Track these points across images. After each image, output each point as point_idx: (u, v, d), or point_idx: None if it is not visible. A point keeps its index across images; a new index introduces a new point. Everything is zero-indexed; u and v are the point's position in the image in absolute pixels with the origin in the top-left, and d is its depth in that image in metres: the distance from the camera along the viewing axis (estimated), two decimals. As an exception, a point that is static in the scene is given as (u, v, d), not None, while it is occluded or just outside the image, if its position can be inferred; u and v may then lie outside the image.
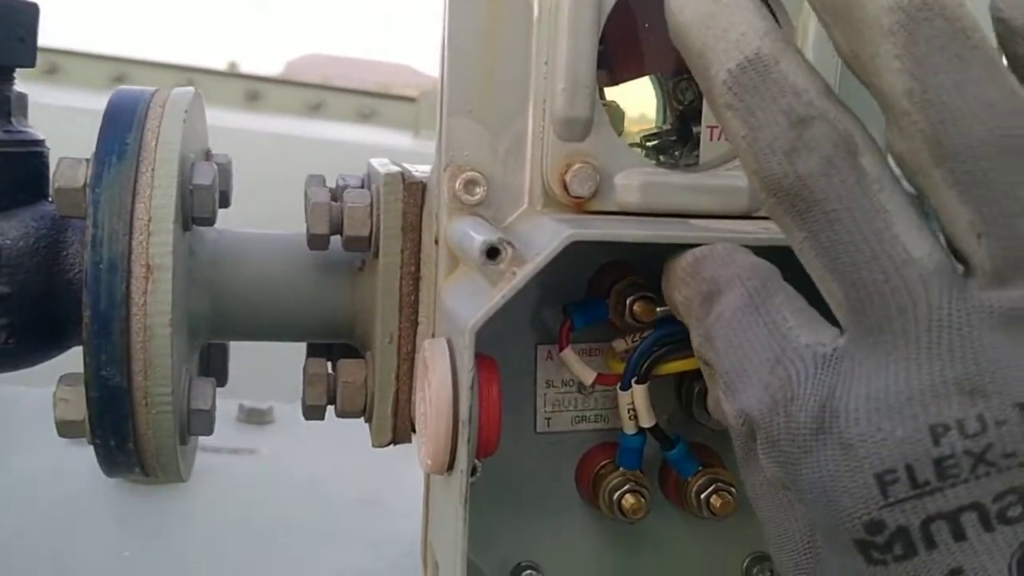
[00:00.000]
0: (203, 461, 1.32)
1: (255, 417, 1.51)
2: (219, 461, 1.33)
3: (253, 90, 3.83)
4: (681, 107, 0.71)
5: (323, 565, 1.06)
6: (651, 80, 0.73)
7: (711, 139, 0.66)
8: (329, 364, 0.74)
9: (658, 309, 0.61)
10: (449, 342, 0.58)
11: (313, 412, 0.73)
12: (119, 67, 3.78)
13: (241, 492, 1.24)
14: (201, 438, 1.36)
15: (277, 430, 1.50)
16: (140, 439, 0.66)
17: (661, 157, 0.70)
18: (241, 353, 1.09)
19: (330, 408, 0.74)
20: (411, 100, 3.77)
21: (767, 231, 0.60)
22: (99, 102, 0.69)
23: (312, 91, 3.82)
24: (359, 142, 3.08)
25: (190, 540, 1.15)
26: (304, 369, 0.73)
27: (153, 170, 0.65)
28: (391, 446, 0.73)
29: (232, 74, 4.20)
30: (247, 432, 1.47)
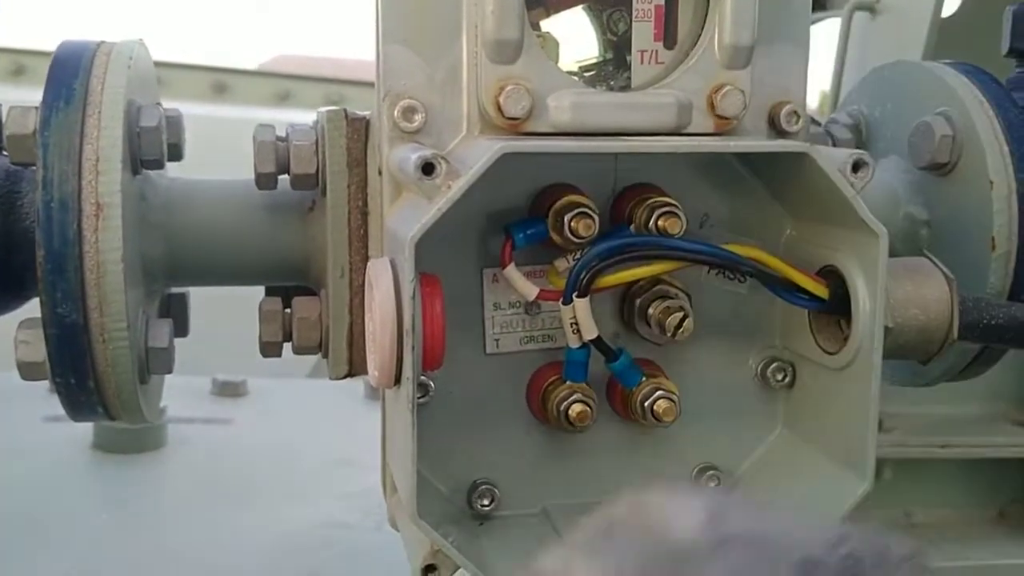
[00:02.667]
0: (178, 431, 1.34)
1: (229, 390, 1.52)
2: (194, 430, 1.34)
3: (222, 82, 3.83)
4: (615, 37, 0.73)
5: (298, 518, 1.08)
6: (586, 12, 0.75)
7: (641, 63, 0.68)
8: (285, 305, 0.76)
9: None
10: (392, 260, 0.60)
11: (269, 349, 0.75)
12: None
13: (215, 458, 1.26)
14: (174, 410, 1.37)
15: (251, 402, 1.52)
16: (100, 376, 0.68)
17: (599, 86, 0.72)
18: (214, 328, 1.10)
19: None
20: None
21: (694, 142, 0.63)
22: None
23: (280, 81, 3.83)
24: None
25: (166, 503, 1.16)
26: (259, 307, 0.75)
27: (100, 113, 0.66)
28: (347, 378, 0.75)
29: (201, 67, 4.20)
30: (222, 404, 1.49)
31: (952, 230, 0.81)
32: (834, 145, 0.83)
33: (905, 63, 0.88)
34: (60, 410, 1.37)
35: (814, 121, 0.91)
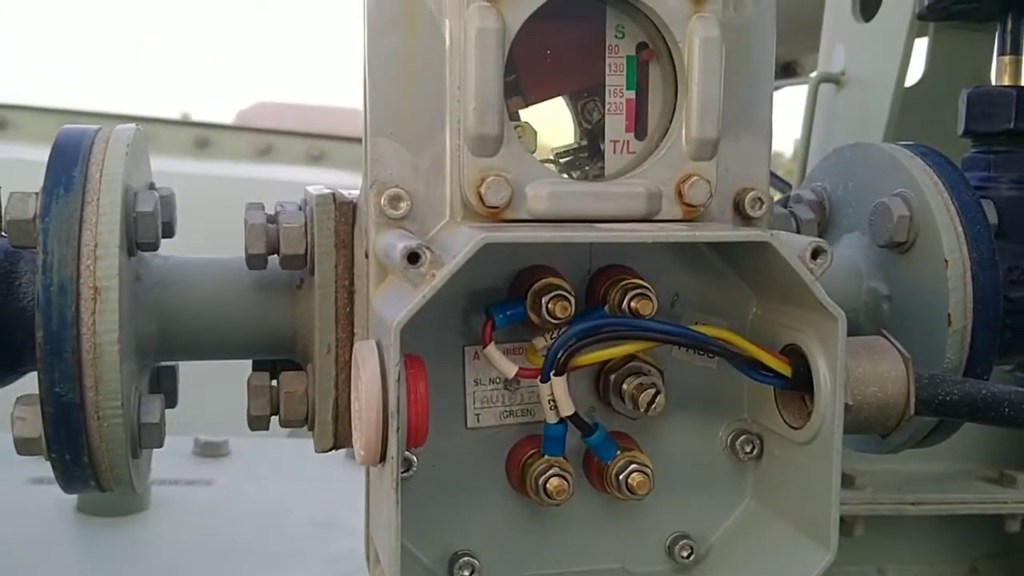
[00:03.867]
0: (161, 493, 1.35)
1: (211, 450, 1.54)
2: (177, 492, 1.36)
3: (204, 137, 3.87)
4: (589, 125, 0.77)
5: (281, 582, 1.10)
6: (564, 101, 0.79)
7: (614, 152, 0.73)
8: (273, 379, 0.79)
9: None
10: (378, 343, 0.63)
11: (257, 422, 0.77)
12: (69, 119, 3.80)
13: (198, 520, 1.27)
14: (158, 471, 1.39)
15: (233, 462, 1.53)
16: (94, 452, 0.70)
17: (574, 172, 0.76)
18: (197, 389, 1.13)
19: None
20: (360, 141, 3.82)
21: (663, 231, 0.67)
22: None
23: (261, 136, 3.87)
24: (311, 183, 3.13)
25: (150, 567, 1.17)
26: (248, 382, 0.77)
27: (98, 200, 0.69)
28: (333, 451, 0.77)
29: (184, 122, 4.24)
30: (204, 464, 1.51)
31: (911, 306, 0.85)
32: (797, 226, 0.87)
33: (864, 145, 0.92)
34: (45, 472, 1.39)
35: (786, 201, 0.96)
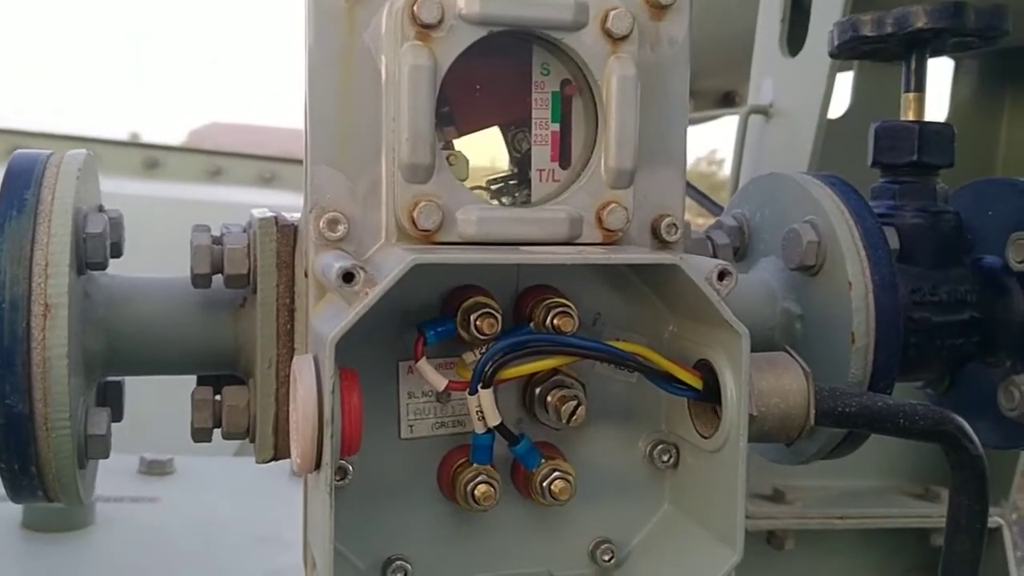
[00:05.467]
0: (106, 509, 1.37)
1: (156, 468, 1.56)
2: (122, 509, 1.38)
3: (153, 158, 3.87)
4: (519, 155, 0.82)
5: (223, 596, 1.12)
6: (499, 131, 0.84)
7: (540, 180, 0.78)
8: (216, 393, 0.82)
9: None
10: (315, 357, 0.67)
11: (200, 435, 0.81)
12: (16, 140, 3.79)
13: (143, 535, 1.30)
14: (103, 489, 1.41)
15: (177, 480, 1.56)
16: (42, 462, 0.73)
17: (504, 198, 0.81)
18: (143, 407, 1.15)
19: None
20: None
21: (582, 254, 0.72)
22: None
23: (211, 158, 3.89)
24: (261, 204, 3.17)
25: (93, 582, 1.20)
26: (192, 396, 0.81)
27: (50, 221, 0.73)
28: (273, 461, 0.81)
29: (132, 143, 4.24)
30: (149, 483, 1.53)
31: (820, 324, 0.92)
32: (713, 249, 0.93)
33: (778, 175, 0.99)
34: (-10, 489, 1.40)
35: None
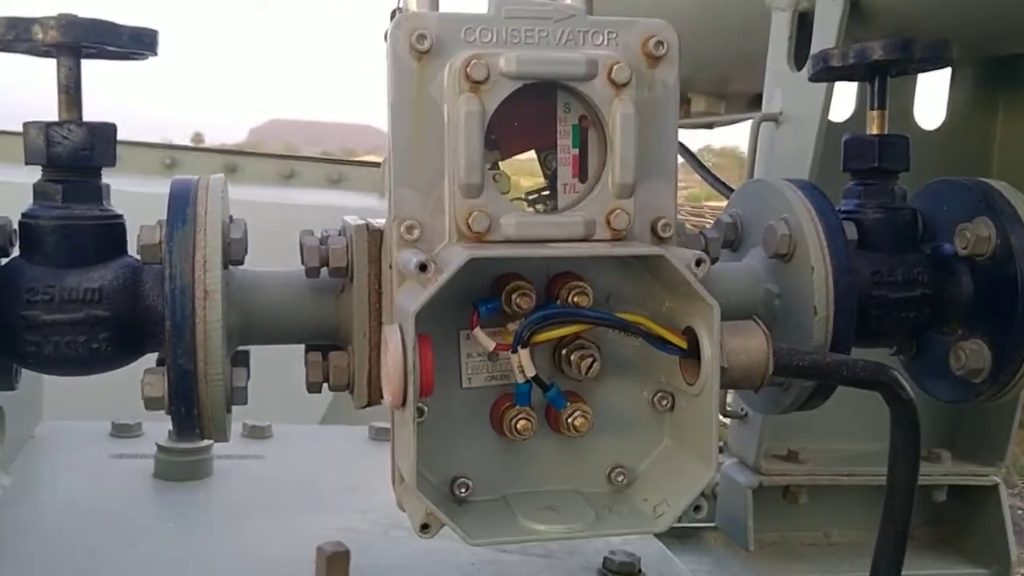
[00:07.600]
0: (221, 465, 1.66)
1: (257, 432, 1.84)
2: (234, 464, 1.66)
3: (231, 163, 4.19)
4: (550, 171, 1.07)
5: (322, 526, 1.38)
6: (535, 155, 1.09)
7: (564, 193, 1.03)
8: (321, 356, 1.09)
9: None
10: (400, 326, 0.93)
11: (313, 388, 1.08)
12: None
13: (255, 485, 1.57)
14: (217, 448, 1.70)
15: (276, 443, 1.83)
16: (201, 406, 1.00)
17: (539, 207, 1.06)
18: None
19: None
20: (376, 165, 4.15)
21: (593, 248, 0.97)
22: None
23: (283, 161, 4.19)
24: (330, 205, 3.48)
25: (219, 518, 1.48)
26: (305, 359, 1.08)
27: (205, 229, 1.00)
28: (368, 407, 1.07)
29: (210, 149, 4.56)
30: (252, 444, 1.81)
31: (792, 301, 1.15)
32: (705, 242, 1.17)
33: (761, 181, 1.23)
34: (123, 449, 1.73)
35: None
